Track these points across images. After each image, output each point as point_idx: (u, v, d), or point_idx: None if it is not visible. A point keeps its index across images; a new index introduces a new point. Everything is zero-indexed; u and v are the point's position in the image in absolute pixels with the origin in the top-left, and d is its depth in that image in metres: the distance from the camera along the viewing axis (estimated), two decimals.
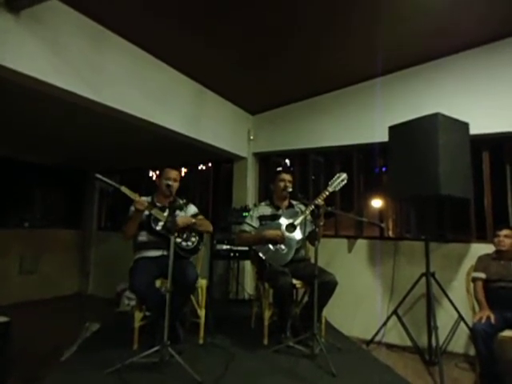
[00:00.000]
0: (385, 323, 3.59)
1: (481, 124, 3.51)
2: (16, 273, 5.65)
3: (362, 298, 4.06)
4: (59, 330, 4.06)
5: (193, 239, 3.02)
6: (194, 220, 3.03)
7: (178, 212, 3.01)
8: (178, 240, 2.91)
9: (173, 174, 3.05)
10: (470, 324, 2.94)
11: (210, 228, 3.22)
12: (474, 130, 3.36)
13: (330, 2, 2.92)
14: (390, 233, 4.36)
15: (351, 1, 2.94)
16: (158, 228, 2.87)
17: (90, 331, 3.42)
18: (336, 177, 3.20)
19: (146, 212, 2.86)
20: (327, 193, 3.10)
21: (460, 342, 3.52)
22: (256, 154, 5.10)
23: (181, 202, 3.14)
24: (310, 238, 3.23)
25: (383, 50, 3.55)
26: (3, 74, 2.42)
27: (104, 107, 3.06)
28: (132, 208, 2.84)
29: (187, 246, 2.98)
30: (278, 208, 3.34)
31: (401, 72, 4.03)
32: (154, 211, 2.87)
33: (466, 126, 3.31)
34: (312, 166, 4.78)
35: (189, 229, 3.01)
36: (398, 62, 3.91)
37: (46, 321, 4.69)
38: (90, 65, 2.88)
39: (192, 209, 3.21)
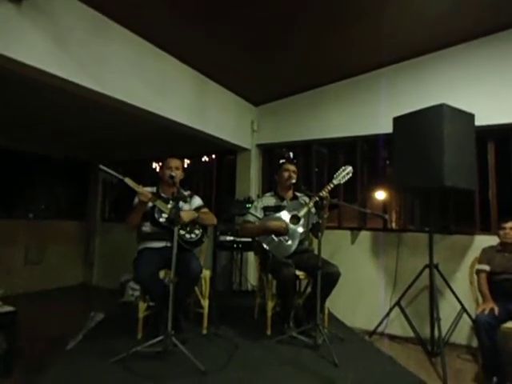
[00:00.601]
0: (387, 314, 3.61)
1: (486, 115, 3.48)
2: (21, 263, 5.70)
3: (365, 290, 4.07)
4: (64, 320, 4.10)
5: (196, 231, 3.01)
6: (197, 214, 3.03)
7: (182, 204, 3.00)
8: (182, 232, 2.91)
9: (174, 162, 3.04)
10: (473, 316, 2.94)
11: (215, 221, 3.22)
12: (479, 121, 3.33)
13: None
14: (394, 224, 4.35)
15: None
16: (162, 220, 2.86)
17: (95, 321, 3.45)
18: (341, 169, 3.18)
19: (150, 203, 2.85)
20: (332, 185, 3.09)
21: (463, 334, 3.53)
22: (259, 146, 5.08)
23: (185, 193, 3.13)
24: (314, 230, 3.23)
25: (389, 40, 3.51)
26: (5, 65, 2.41)
27: (106, 98, 3.04)
28: (136, 199, 2.84)
29: (191, 238, 2.97)
30: (282, 199, 3.33)
31: (406, 62, 3.99)
32: (158, 203, 2.86)
33: (471, 117, 3.28)
34: (315, 158, 4.76)
35: (193, 223, 3.00)
36: (403, 52, 3.87)
37: (51, 311, 4.74)
38: (93, 55, 2.87)
39: (197, 201, 3.20)
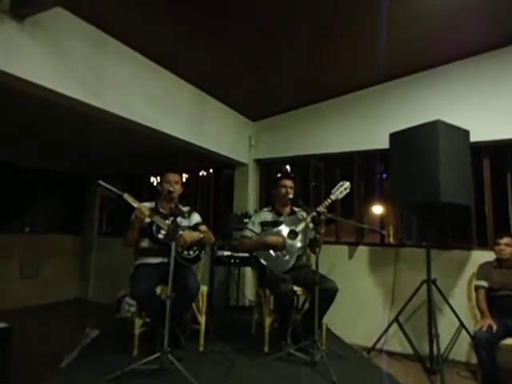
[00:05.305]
0: (386, 330, 3.58)
1: (482, 131, 3.52)
2: (17, 277, 5.64)
3: (363, 305, 4.05)
4: (59, 336, 4.05)
5: (194, 248, 3.00)
6: (201, 235, 3.03)
7: (180, 219, 3.00)
8: (179, 249, 2.89)
9: (173, 177, 3.05)
10: (472, 332, 2.92)
11: (213, 240, 3.22)
12: (474, 137, 3.37)
13: (330, 9, 2.95)
14: (391, 239, 4.35)
15: (352, 9, 2.96)
16: (161, 236, 2.85)
17: (90, 337, 3.41)
18: (339, 185, 3.21)
19: (148, 219, 2.85)
20: (330, 201, 3.10)
21: (461, 350, 3.51)
22: (257, 161, 5.11)
23: (184, 209, 3.14)
24: (312, 245, 3.23)
25: (384, 57, 3.57)
26: (7, 81, 2.44)
27: (105, 113, 3.07)
28: (133, 215, 2.83)
29: (188, 254, 2.96)
30: (279, 214, 3.34)
31: (402, 79, 4.06)
32: (156, 219, 2.85)
33: (466, 133, 3.32)
34: (313, 172, 4.79)
35: (196, 243, 3.00)
36: (399, 68, 3.93)
37: (46, 326, 4.68)
38: (92, 71, 2.91)
39: (196, 217, 3.19)
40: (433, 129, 3.15)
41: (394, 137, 3.56)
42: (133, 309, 4.09)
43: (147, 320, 2.90)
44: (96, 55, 2.94)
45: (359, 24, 3.15)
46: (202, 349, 2.98)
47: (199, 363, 2.71)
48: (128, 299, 4.57)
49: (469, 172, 3.30)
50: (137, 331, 2.81)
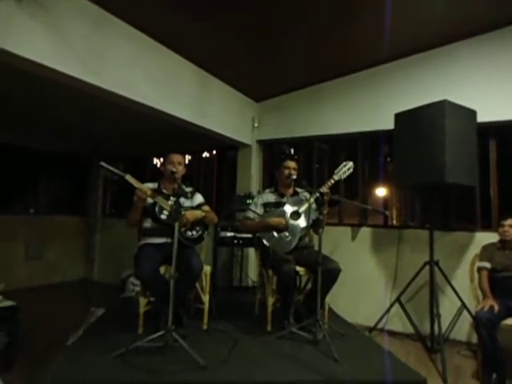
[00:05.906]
0: (388, 310, 3.61)
1: (488, 112, 3.47)
2: (22, 259, 5.70)
3: (365, 286, 4.08)
4: (65, 315, 4.11)
5: (197, 228, 3.01)
6: (203, 213, 3.03)
7: (183, 200, 3.00)
8: (183, 229, 2.90)
9: (177, 158, 3.04)
10: (473, 312, 2.94)
11: (216, 220, 3.22)
12: (481, 117, 3.32)
13: None
14: (394, 221, 4.35)
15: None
16: (163, 217, 2.85)
17: (96, 316, 3.46)
18: (342, 165, 3.17)
19: (150, 200, 2.84)
20: (333, 181, 3.08)
21: (462, 330, 3.54)
22: (260, 142, 5.07)
23: (186, 189, 3.13)
24: (314, 225, 3.22)
25: (391, 36, 3.49)
26: (6, 59, 2.40)
27: (107, 93, 3.04)
28: (135, 196, 2.83)
29: (192, 235, 2.97)
30: (282, 195, 3.33)
31: (408, 58, 3.98)
32: (159, 199, 2.85)
33: (473, 113, 3.27)
34: (316, 154, 4.75)
35: (198, 223, 3.01)
36: (405, 48, 3.85)
37: (52, 306, 4.75)
38: (93, 50, 2.86)
39: (198, 198, 3.19)
40: (440, 109, 3.10)
41: (399, 117, 3.51)
42: (137, 288, 4.13)
43: (152, 299, 2.93)
44: (96, 33, 2.89)
45: (365, 4, 3.07)
46: (205, 327, 3.01)
47: (203, 341, 2.75)
48: (132, 279, 4.62)
49: (475, 153, 3.25)
50: (141, 310, 2.84)
